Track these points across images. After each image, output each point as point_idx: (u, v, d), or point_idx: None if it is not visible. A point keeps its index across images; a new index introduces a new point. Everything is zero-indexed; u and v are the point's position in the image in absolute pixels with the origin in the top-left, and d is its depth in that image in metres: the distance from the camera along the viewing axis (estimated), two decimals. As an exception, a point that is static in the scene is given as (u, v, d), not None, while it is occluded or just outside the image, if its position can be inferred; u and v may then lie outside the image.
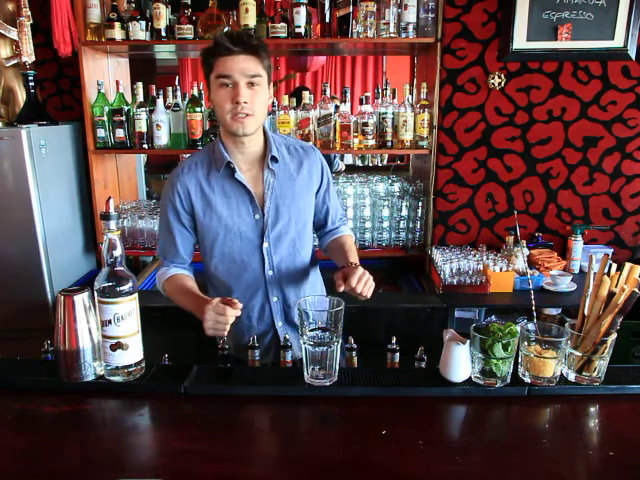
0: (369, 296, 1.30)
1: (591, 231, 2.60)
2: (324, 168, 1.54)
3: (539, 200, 2.63)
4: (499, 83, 2.48)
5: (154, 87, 2.46)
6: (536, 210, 2.64)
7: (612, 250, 2.57)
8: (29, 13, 2.30)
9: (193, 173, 1.44)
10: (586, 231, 2.55)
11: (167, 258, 1.52)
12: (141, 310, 1.11)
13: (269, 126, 2.41)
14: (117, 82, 2.46)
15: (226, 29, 2.29)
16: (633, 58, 2.41)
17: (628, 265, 1.08)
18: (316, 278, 1.62)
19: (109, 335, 1.08)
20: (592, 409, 1.09)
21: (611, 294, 1.08)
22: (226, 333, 1.22)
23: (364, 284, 1.30)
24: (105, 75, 2.57)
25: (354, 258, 1.44)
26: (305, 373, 1.12)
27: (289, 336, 1.37)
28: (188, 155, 1.62)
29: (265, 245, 1.45)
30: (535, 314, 1.17)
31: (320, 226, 1.62)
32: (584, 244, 2.49)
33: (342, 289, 1.29)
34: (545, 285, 2.32)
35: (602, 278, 1.09)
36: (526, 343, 1.11)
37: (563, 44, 2.40)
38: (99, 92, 2.42)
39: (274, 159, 1.43)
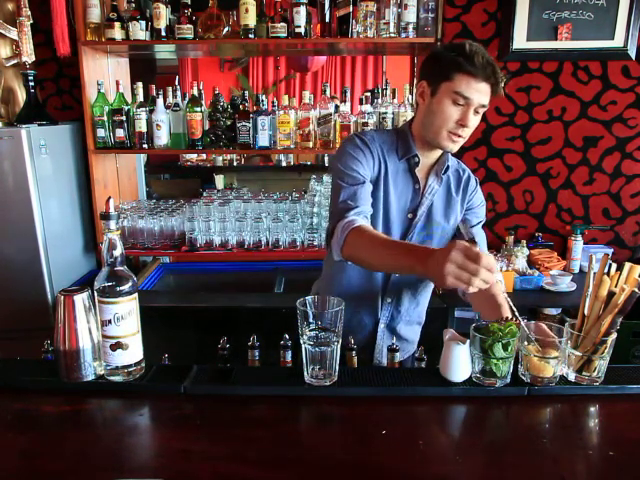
0: None
1: (591, 231, 2.61)
2: (477, 196, 1.51)
3: (539, 200, 2.63)
4: (499, 83, 2.48)
5: (154, 87, 2.46)
6: (536, 210, 2.64)
7: (612, 250, 2.57)
8: (29, 13, 2.29)
9: (379, 144, 1.41)
10: (586, 231, 2.56)
11: (359, 205, 1.31)
12: (141, 310, 1.11)
13: (269, 126, 2.41)
14: (117, 82, 2.46)
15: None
16: (633, 58, 2.41)
17: (628, 265, 1.08)
18: (426, 301, 1.61)
19: (109, 335, 1.08)
20: (592, 409, 1.09)
21: (611, 294, 1.08)
22: (471, 289, 1.00)
23: None
24: (105, 75, 2.57)
25: (508, 312, 1.25)
26: (305, 373, 1.12)
27: (383, 342, 1.48)
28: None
29: None
30: (517, 314, 1.17)
31: None
32: (584, 244, 2.49)
33: None
34: (545, 285, 2.32)
35: (602, 278, 1.09)
36: (526, 342, 1.11)
37: (563, 44, 2.40)
38: (99, 92, 2.42)
39: (447, 169, 1.44)
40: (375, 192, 1.39)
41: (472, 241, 1.03)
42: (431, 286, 1.59)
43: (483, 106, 1.30)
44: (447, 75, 1.28)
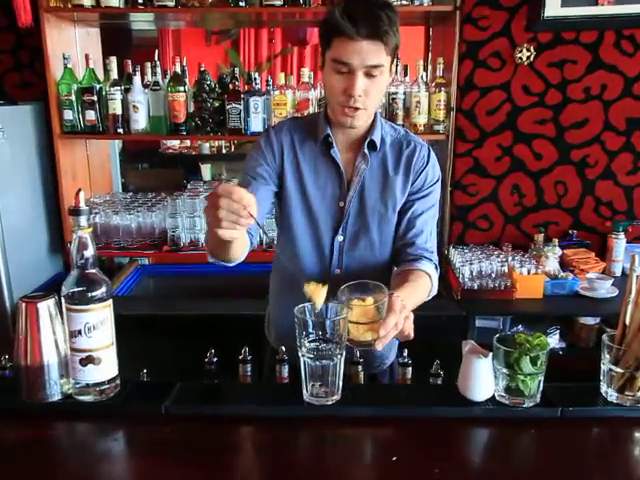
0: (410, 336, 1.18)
1: (635, 227, 2.60)
2: (426, 172, 1.44)
3: (574, 192, 2.63)
4: (527, 57, 2.48)
5: (130, 62, 2.46)
6: (570, 204, 2.64)
7: (659, 250, 2.57)
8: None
9: (291, 132, 1.44)
10: (629, 227, 2.55)
11: None
12: (116, 319, 1.12)
13: (263, 108, 2.41)
14: (87, 56, 2.46)
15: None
16: (686, 26, 2.40)
17: (677, 267, 1.08)
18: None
19: (78, 348, 1.08)
20: (637, 434, 1.09)
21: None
22: (236, 232, 1.04)
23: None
24: (72, 48, 2.57)
25: (404, 292, 1.25)
26: (304, 391, 1.13)
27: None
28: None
29: (339, 238, 1.44)
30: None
31: (396, 241, 1.48)
32: (627, 243, 2.49)
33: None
34: (581, 290, 2.32)
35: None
36: (346, 309, 1.12)
37: (604, 9, 2.37)
38: (65, 67, 2.41)
39: (372, 145, 1.41)
40: (291, 186, 1.42)
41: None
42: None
43: (375, 66, 1.26)
44: (327, 42, 1.28)
